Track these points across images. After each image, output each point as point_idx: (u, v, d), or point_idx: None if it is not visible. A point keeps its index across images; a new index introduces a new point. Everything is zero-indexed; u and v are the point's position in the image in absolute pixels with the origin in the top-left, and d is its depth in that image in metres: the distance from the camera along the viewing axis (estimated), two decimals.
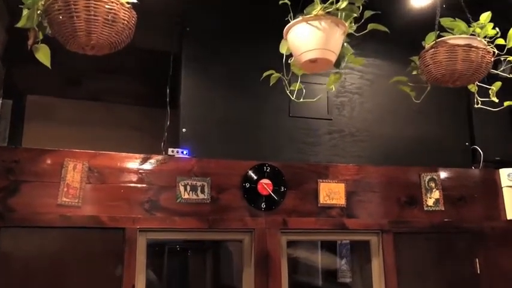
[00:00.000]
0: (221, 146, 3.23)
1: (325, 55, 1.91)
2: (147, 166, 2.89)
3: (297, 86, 2.15)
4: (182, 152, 3.05)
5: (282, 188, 3.11)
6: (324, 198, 3.17)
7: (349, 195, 3.22)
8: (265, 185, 3.08)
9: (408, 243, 3.27)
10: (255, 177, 3.08)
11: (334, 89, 2.12)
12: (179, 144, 3.19)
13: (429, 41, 2.31)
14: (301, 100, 2.26)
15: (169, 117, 3.49)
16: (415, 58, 2.36)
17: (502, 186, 3.55)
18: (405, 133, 3.63)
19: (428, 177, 3.42)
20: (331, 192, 3.19)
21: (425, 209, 3.36)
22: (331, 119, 3.49)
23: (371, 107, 3.61)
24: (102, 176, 2.79)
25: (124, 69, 4.00)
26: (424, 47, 2.34)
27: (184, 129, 3.21)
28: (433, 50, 2.18)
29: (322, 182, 3.18)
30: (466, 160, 3.74)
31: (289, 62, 2.13)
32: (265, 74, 2.23)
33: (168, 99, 3.53)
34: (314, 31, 1.88)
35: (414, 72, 2.39)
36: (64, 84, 3.95)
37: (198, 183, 2.96)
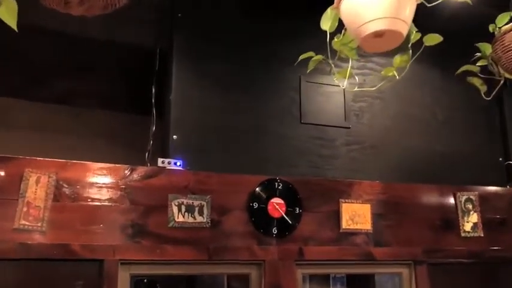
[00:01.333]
0: (220, 157, 2.76)
1: (396, 26, 1.48)
2: (132, 180, 2.38)
3: (348, 71, 1.69)
4: (175, 164, 2.55)
5: (297, 209, 2.64)
6: (347, 222, 2.71)
7: (375, 218, 2.77)
8: (277, 205, 2.61)
9: (445, 275, 2.84)
10: (265, 196, 2.61)
11: (397, 75, 1.67)
12: (168, 154, 2.69)
13: (501, 22, 1.91)
14: (346, 87, 1.78)
15: (155, 122, 2.99)
16: (484, 45, 1.95)
17: None
18: (431, 146, 3.25)
19: (465, 197, 3.01)
20: (355, 215, 2.74)
21: (463, 234, 2.95)
22: (349, 127, 3.06)
23: (393, 114, 3.21)
24: (74, 193, 2.27)
25: (98, 67, 3.49)
26: (493, 32, 1.94)
27: (175, 136, 2.72)
28: None
29: (345, 202, 2.73)
30: (500, 178, 3.37)
31: (335, 39, 1.68)
32: (302, 57, 1.78)
33: (153, 101, 3.04)
34: None
35: (480, 64, 1.98)
36: (25, 83, 3.40)
37: (196, 203, 2.46)
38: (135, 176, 2.40)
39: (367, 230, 2.74)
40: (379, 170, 3.06)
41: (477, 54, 2.00)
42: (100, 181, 2.33)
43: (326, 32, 1.67)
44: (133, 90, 3.40)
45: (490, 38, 2.02)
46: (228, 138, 2.80)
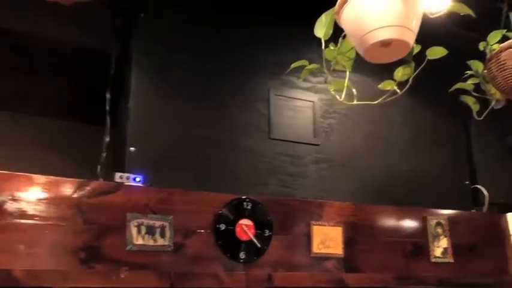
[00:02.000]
0: (181, 173, 2.58)
1: (404, 36, 1.39)
2: (85, 197, 2.16)
3: (345, 83, 1.58)
4: (134, 179, 2.35)
5: (267, 231, 2.50)
6: (317, 246, 2.60)
7: (347, 242, 2.67)
8: (246, 227, 2.45)
9: None
10: (232, 217, 2.45)
11: (398, 90, 1.58)
12: (124, 167, 2.48)
13: (494, 40, 1.89)
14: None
15: (108, 131, 2.77)
16: (475, 63, 1.91)
17: (511, 233, 3.20)
18: (399, 166, 3.20)
19: (435, 221, 2.98)
20: (327, 239, 2.63)
21: (433, 260, 2.90)
22: (318, 145, 2.97)
23: (362, 132, 3.15)
24: (15, 209, 2.01)
25: (43, 70, 3.23)
26: (484, 50, 1.91)
27: (132, 148, 2.52)
28: None
29: (316, 224, 2.62)
30: (466, 201, 3.37)
31: (330, 48, 1.57)
32: (294, 65, 1.65)
33: (107, 108, 2.82)
34: (391, 1, 1.36)
35: (471, 82, 1.94)
36: None
37: (157, 224, 2.27)
38: (89, 191, 2.18)
39: (339, 254, 2.64)
40: (347, 190, 2.97)
41: (467, 72, 1.95)
42: (48, 196, 2.09)
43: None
44: (84, 97, 3.16)
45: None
46: (191, 152, 2.63)
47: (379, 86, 1.64)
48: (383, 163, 3.15)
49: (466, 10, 1.55)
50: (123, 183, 2.31)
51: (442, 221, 3.00)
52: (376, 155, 3.14)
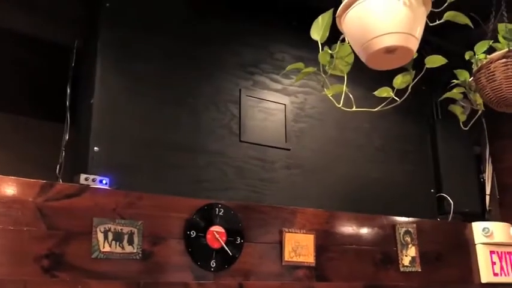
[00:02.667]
0: (148, 175, 2.50)
1: (410, 43, 1.41)
2: (50, 200, 2.06)
3: (344, 88, 1.57)
4: (101, 182, 2.26)
5: (239, 239, 2.47)
6: (289, 254, 2.59)
7: (318, 250, 2.68)
8: (217, 235, 2.41)
9: None
10: (203, 223, 2.40)
11: (395, 97, 1.59)
12: (87, 169, 2.38)
13: (480, 50, 1.94)
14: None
15: (68, 129, 2.67)
16: (462, 72, 1.96)
17: (476, 243, 3.32)
18: (368, 174, 3.25)
19: (404, 229, 3.04)
20: (298, 246, 2.63)
21: (401, 269, 2.96)
22: (289, 149, 2.96)
23: (333, 138, 3.17)
24: None
25: None
26: (470, 60, 1.96)
27: (96, 148, 2.42)
28: (504, 60, 1.78)
29: (288, 232, 2.61)
30: (431, 209, 3.46)
31: (326, 51, 1.56)
32: (290, 67, 1.63)
33: (68, 104, 2.72)
34: (398, 7, 1.38)
35: (457, 91, 1.98)
36: None
37: (125, 230, 2.20)
38: (53, 194, 2.08)
39: (310, 263, 2.64)
40: (318, 196, 2.98)
41: (454, 81, 2.00)
42: (8, 199, 1.98)
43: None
44: (41, 91, 3.01)
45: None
46: (158, 154, 2.55)
47: (375, 92, 1.65)
48: (353, 170, 3.18)
49: (464, 20, 1.58)
50: (88, 185, 2.22)
51: (411, 229, 3.07)
52: (347, 161, 3.17)
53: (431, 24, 1.56)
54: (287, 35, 3.12)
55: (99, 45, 2.56)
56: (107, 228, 2.15)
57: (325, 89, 1.59)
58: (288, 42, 3.11)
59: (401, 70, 1.66)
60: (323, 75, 1.54)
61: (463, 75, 1.96)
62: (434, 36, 3.11)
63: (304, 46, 3.09)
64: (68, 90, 2.75)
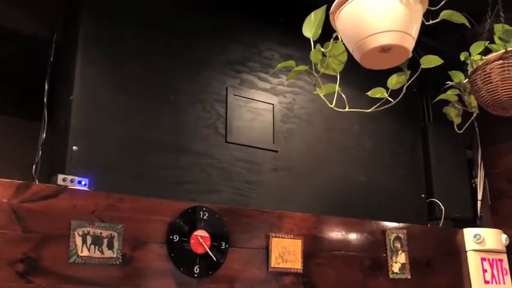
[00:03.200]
0: (130, 176, 2.45)
1: (406, 42, 1.40)
2: (25, 201, 2.01)
3: (336, 88, 1.55)
4: (80, 182, 2.22)
5: (223, 244, 2.44)
6: (276, 260, 2.56)
7: (306, 256, 2.66)
8: (202, 239, 2.38)
9: None
10: (187, 227, 2.37)
11: (390, 98, 1.56)
12: (65, 169, 2.33)
13: (476, 51, 1.93)
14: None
15: (45, 127, 2.61)
16: (457, 73, 1.95)
17: (467, 249, 3.32)
18: (357, 177, 3.24)
19: (394, 235, 3.04)
20: (285, 252, 2.60)
21: (391, 276, 2.95)
22: (277, 151, 2.94)
23: (322, 139, 3.15)
24: None
25: None
26: (465, 61, 1.95)
27: (75, 147, 2.37)
28: (501, 62, 1.78)
29: (275, 237, 2.58)
30: (421, 215, 3.46)
31: (318, 48, 1.54)
32: (281, 66, 1.61)
33: (45, 101, 2.66)
34: (394, 4, 1.36)
35: (451, 93, 1.97)
36: None
37: (104, 233, 2.15)
38: (29, 195, 2.03)
39: (297, 269, 2.61)
40: (306, 200, 2.96)
41: (448, 82, 1.99)
42: None
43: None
44: (16, 87, 2.95)
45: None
46: (140, 154, 2.50)
47: (368, 93, 1.63)
48: (342, 173, 3.16)
49: (460, 19, 1.57)
50: (66, 186, 2.17)
51: (401, 235, 3.06)
52: (336, 164, 3.15)
53: (427, 23, 1.55)
54: (276, 32, 3.10)
55: (80, 39, 2.51)
56: (86, 232, 2.11)
57: (317, 89, 1.55)
58: (277, 39, 3.09)
59: (395, 70, 1.64)
60: (315, 74, 1.51)
61: (458, 76, 1.95)
62: (426, 37, 3.11)
63: (293, 44, 3.08)
64: (46, 87, 2.68)
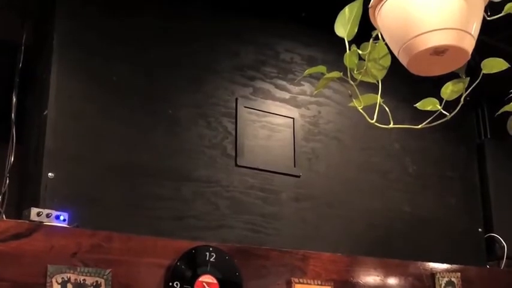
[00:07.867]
0: (120, 210, 2.53)
1: (464, 42, 1.40)
2: None
3: (378, 99, 1.57)
4: (58, 218, 2.27)
5: None
6: None
7: None
8: (208, 287, 2.43)
9: None
10: (190, 272, 2.42)
11: (444, 111, 1.59)
12: (39, 201, 2.40)
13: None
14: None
15: (14, 150, 2.66)
16: None
17: None
18: (398, 207, 3.29)
19: (446, 279, 3.09)
20: None
21: None
22: (298, 176, 2.99)
23: (354, 161, 3.20)
24: None
25: None
26: None
27: (51, 174, 2.43)
28: None
29: (299, 283, 2.63)
30: (478, 253, 3.49)
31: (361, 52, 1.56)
32: (308, 72, 1.63)
33: (13, 117, 2.71)
34: None
35: None
36: None
37: (89, 281, 2.21)
38: None
39: None
40: (335, 237, 3.02)
41: None
42: None
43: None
44: None
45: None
46: (131, 182, 2.57)
47: (417, 105, 1.65)
48: (380, 203, 3.22)
49: None
50: (42, 222, 2.22)
51: (454, 280, 3.10)
52: (371, 192, 3.21)
53: (488, 19, 1.57)
54: (296, 30, 3.15)
55: (55, 41, 2.59)
56: (66, 279, 2.15)
57: (353, 100, 1.57)
58: (298, 39, 3.14)
59: (447, 77, 1.66)
60: (351, 82, 1.54)
61: None
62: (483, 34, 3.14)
63: (317, 44, 3.13)
64: (14, 99, 2.74)
